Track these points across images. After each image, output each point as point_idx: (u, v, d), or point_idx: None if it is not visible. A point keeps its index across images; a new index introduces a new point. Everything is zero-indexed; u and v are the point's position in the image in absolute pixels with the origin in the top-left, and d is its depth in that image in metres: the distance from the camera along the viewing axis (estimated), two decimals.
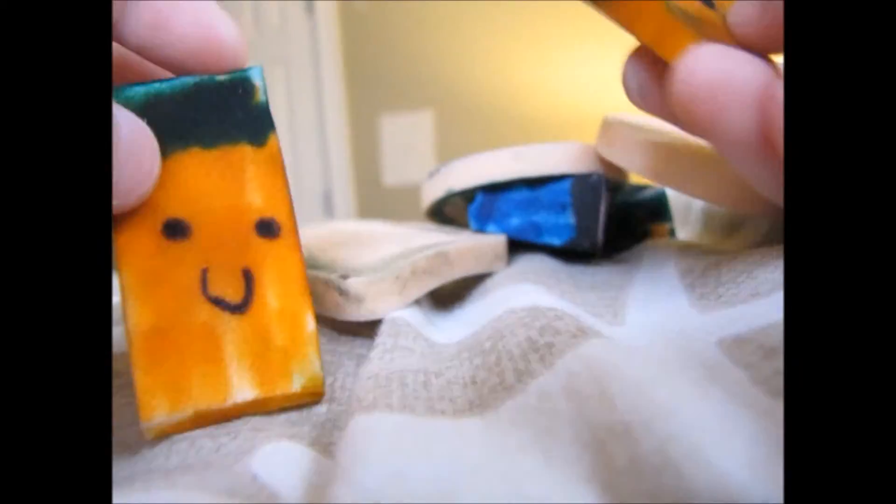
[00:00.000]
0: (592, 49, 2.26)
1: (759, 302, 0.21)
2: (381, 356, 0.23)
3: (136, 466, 0.18)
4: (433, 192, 0.43)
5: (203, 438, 0.19)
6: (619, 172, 0.41)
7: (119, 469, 0.18)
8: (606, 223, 0.39)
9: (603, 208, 0.39)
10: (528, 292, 0.27)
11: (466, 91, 2.41)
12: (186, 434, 0.18)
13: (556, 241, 0.39)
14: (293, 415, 0.22)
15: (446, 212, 0.47)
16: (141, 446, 0.19)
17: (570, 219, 0.39)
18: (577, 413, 0.15)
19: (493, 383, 0.18)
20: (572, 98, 2.32)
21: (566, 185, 0.39)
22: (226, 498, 0.15)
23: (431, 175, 0.43)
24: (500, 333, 0.22)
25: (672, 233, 0.47)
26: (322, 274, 0.28)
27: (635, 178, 0.43)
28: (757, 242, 0.38)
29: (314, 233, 0.38)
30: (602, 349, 0.17)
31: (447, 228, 0.43)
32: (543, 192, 0.40)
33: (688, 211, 0.54)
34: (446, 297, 0.36)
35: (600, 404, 0.15)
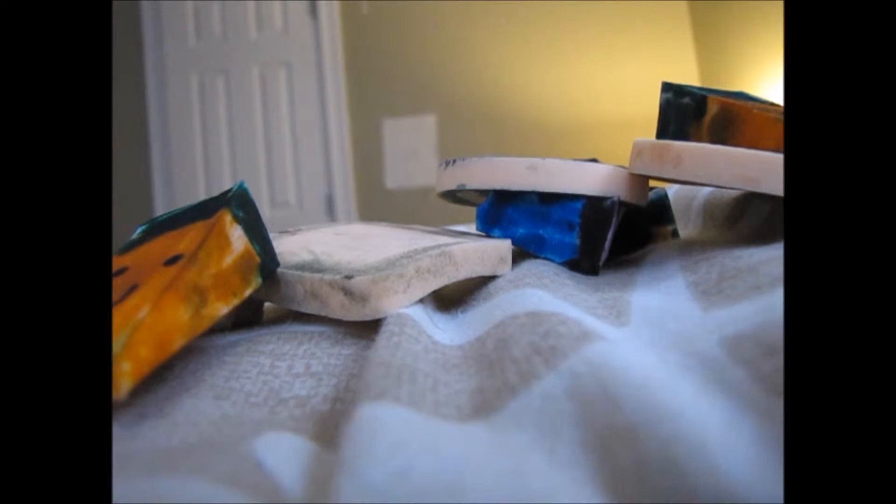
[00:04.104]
0: (593, 52, 2.26)
1: (760, 297, 0.21)
2: (387, 340, 0.23)
3: (137, 444, 0.19)
4: (446, 182, 0.43)
5: (205, 425, 0.20)
6: (642, 196, 0.42)
7: (119, 447, 0.18)
8: (611, 244, 0.40)
9: (610, 234, 0.39)
10: (530, 296, 0.27)
11: (469, 95, 2.41)
12: (186, 416, 0.20)
13: (557, 258, 0.40)
14: (297, 411, 0.22)
15: (458, 195, 0.47)
16: (140, 421, 0.20)
17: (575, 239, 0.39)
18: (581, 415, 0.15)
19: (497, 386, 0.19)
20: (575, 102, 2.32)
21: (578, 205, 0.39)
22: (228, 486, 0.15)
23: (447, 165, 0.43)
24: (504, 343, 0.22)
25: (675, 234, 0.47)
26: (327, 276, 0.29)
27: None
28: (758, 229, 0.38)
29: (318, 236, 0.38)
30: (606, 351, 0.17)
31: (453, 231, 0.44)
32: (554, 209, 0.40)
33: (688, 210, 0.55)
34: (449, 301, 0.36)
35: (605, 406, 0.15)
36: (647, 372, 0.16)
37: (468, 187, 0.42)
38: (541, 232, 0.40)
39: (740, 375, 0.15)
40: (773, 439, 0.13)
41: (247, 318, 0.35)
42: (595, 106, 2.29)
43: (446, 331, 0.29)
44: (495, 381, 0.19)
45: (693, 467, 0.12)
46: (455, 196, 0.47)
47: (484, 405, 0.18)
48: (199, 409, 0.21)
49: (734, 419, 0.14)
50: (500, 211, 0.42)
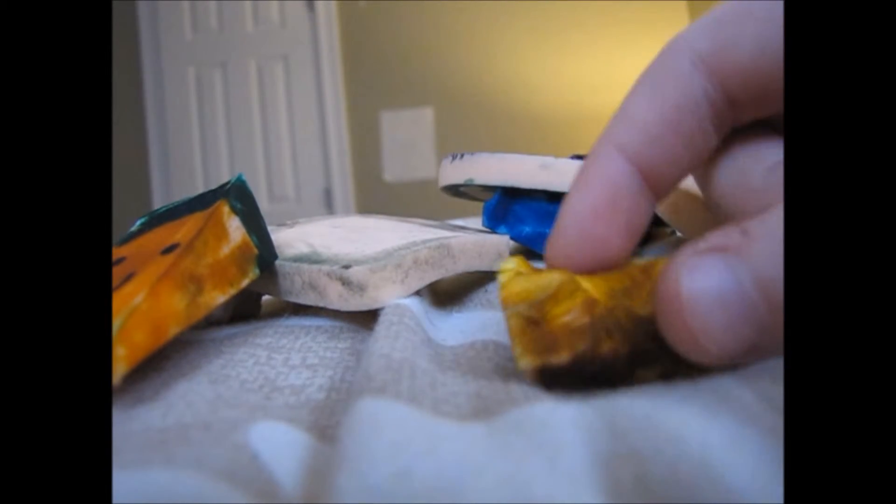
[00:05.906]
0: (591, 46, 2.26)
1: None
2: (387, 329, 0.23)
3: (133, 425, 0.19)
4: (453, 175, 0.43)
5: (200, 404, 0.20)
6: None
7: (115, 427, 0.18)
8: None
9: None
10: None
11: (466, 88, 2.41)
12: (181, 397, 0.21)
13: None
14: (291, 399, 0.22)
15: (462, 189, 0.46)
16: (136, 405, 0.20)
17: None
18: (583, 440, 0.15)
19: (499, 396, 0.18)
20: (573, 95, 2.32)
21: None
22: (224, 481, 0.15)
23: (454, 158, 0.42)
24: (508, 355, 0.22)
25: (674, 232, 0.47)
26: (325, 267, 0.29)
27: None
28: None
29: (315, 229, 0.38)
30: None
31: (451, 225, 0.43)
32: None
33: None
34: (445, 297, 0.36)
35: (610, 436, 0.15)
36: (651, 401, 0.16)
37: (476, 182, 0.41)
38: (547, 231, 0.40)
39: (748, 396, 0.15)
40: (779, 454, 0.13)
41: (244, 311, 0.35)
42: (593, 100, 2.29)
43: (441, 329, 0.29)
44: (496, 390, 0.19)
45: (697, 481, 0.13)
46: (458, 190, 0.47)
47: (484, 409, 0.18)
48: (194, 390, 0.21)
49: (739, 435, 0.14)
50: (507, 208, 0.41)
